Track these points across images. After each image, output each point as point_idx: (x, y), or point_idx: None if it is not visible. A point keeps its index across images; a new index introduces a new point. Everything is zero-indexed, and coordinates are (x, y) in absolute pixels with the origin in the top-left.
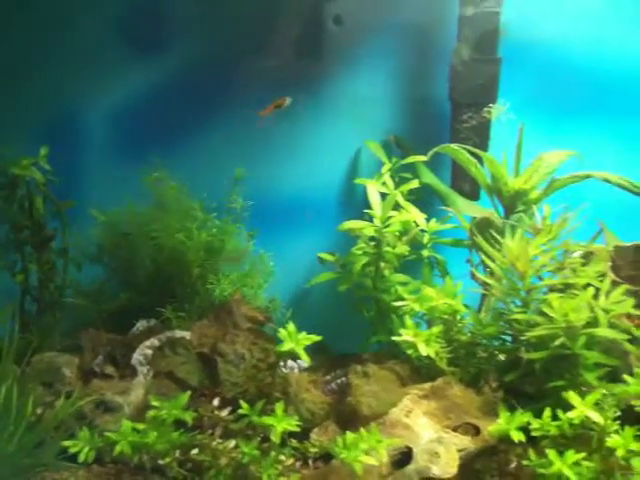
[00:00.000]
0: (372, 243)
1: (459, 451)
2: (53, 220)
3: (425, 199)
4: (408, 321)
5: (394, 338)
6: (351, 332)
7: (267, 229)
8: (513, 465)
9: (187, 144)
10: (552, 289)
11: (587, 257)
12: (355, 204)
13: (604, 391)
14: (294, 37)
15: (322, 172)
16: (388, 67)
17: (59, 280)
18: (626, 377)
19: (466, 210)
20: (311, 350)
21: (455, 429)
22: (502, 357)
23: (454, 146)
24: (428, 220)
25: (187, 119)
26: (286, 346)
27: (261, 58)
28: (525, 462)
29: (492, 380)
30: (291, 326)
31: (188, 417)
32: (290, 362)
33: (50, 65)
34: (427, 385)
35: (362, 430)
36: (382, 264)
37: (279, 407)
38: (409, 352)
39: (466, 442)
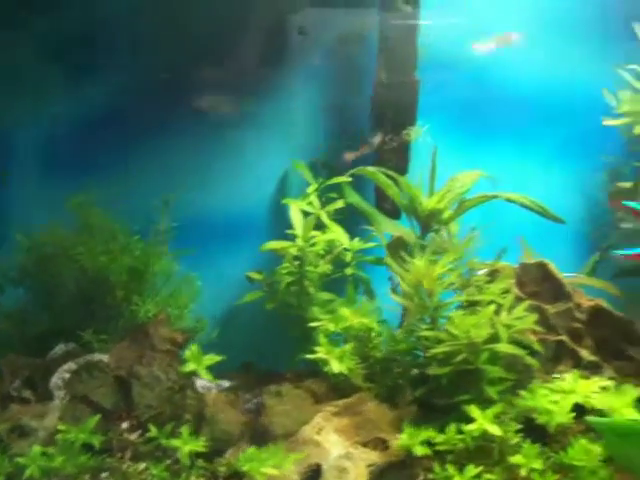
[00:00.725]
0: (296, 262)
1: (368, 466)
2: None
3: (352, 219)
4: (322, 339)
5: (308, 356)
6: (279, 350)
7: (196, 249)
8: (420, 479)
9: (114, 166)
10: (461, 306)
11: (493, 275)
12: (283, 224)
13: (506, 404)
14: (221, 62)
15: (250, 192)
16: (314, 90)
17: None
18: (522, 392)
19: (388, 229)
20: (236, 369)
21: (365, 444)
22: (416, 372)
23: (371, 168)
24: (353, 239)
25: (114, 141)
26: (189, 367)
27: (188, 83)
28: (430, 476)
29: (406, 395)
30: (194, 347)
31: (96, 441)
32: (206, 382)
33: None
34: (341, 402)
35: (269, 446)
36: (306, 283)
37: (185, 429)
38: (325, 369)
39: (374, 457)
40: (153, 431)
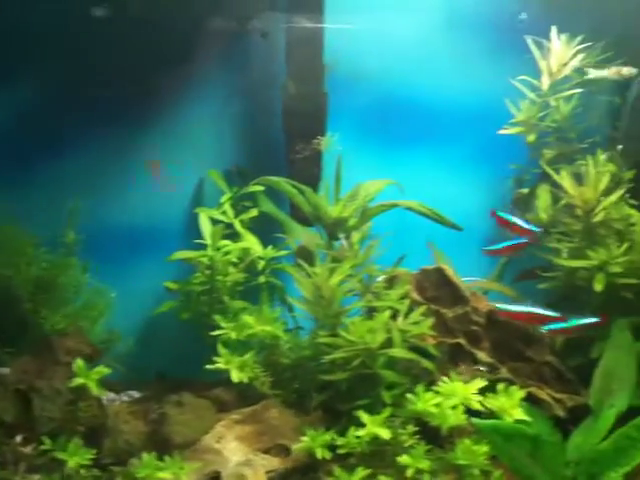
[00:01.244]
0: (207, 271)
1: (268, 472)
2: None
3: (268, 227)
4: (221, 348)
5: (207, 367)
6: (194, 360)
7: (109, 261)
8: None
9: (21, 178)
10: (365, 312)
11: (392, 281)
12: (198, 233)
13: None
14: (133, 71)
15: (165, 202)
16: (229, 100)
17: None
18: (409, 396)
19: (301, 237)
20: (151, 379)
21: (267, 451)
22: (320, 378)
23: (275, 178)
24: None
25: (20, 154)
26: (76, 382)
27: (96, 95)
28: (328, 478)
29: (312, 401)
30: (79, 361)
31: None
32: (111, 395)
33: None
34: (247, 410)
35: (166, 457)
36: (218, 291)
37: (74, 442)
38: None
39: (275, 463)
40: (47, 443)
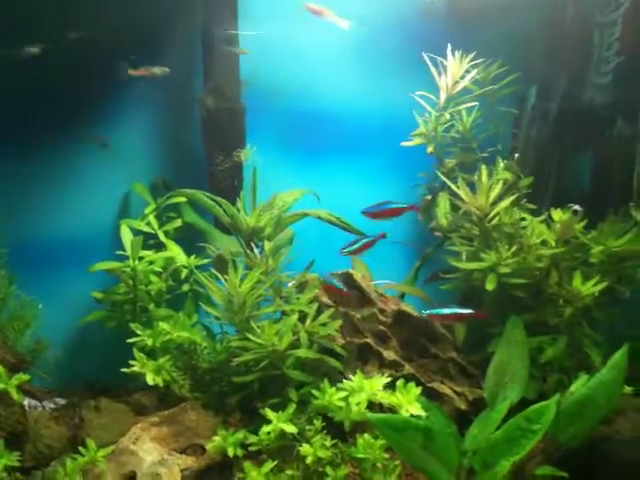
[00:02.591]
0: (130, 281)
1: (182, 470)
2: None
3: (193, 237)
4: (137, 353)
5: (123, 370)
6: (122, 367)
7: (37, 272)
8: (236, 478)
9: None
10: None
11: (302, 286)
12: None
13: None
14: (65, 85)
15: (92, 214)
16: (152, 115)
17: None
18: (314, 392)
19: (223, 246)
20: (78, 386)
21: (183, 451)
22: (235, 380)
23: (189, 190)
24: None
25: None
26: None
27: (31, 102)
28: (240, 475)
29: (230, 402)
30: (1, 368)
31: None
32: (33, 401)
33: None
34: (165, 412)
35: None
36: (141, 300)
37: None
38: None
39: (190, 462)
40: None
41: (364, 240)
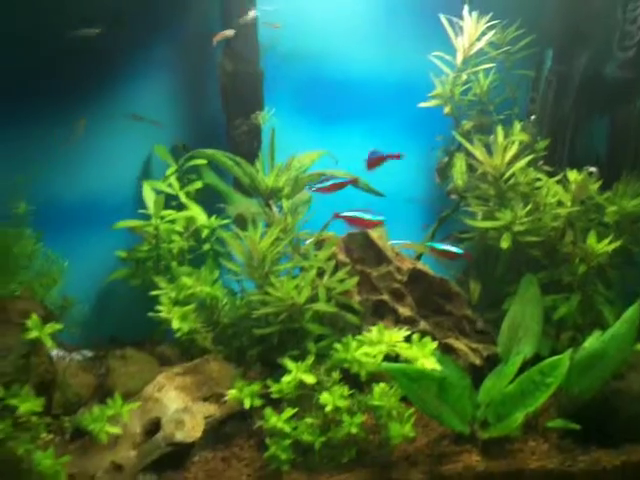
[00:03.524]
0: (153, 240)
1: (206, 418)
2: None
3: (212, 199)
4: (164, 300)
5: (150, 314)
6: (145, 323)
7: (63, 231)
8: (256, 426)
9: None
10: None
11: (320, 244)
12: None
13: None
14: (81, 51)
15: (115, 176)
16: (173, 79)
17: None
18: (336, 345)
19: (241, 207)
20: (104, 341)
21: (206, 400)
22: (256, 334)
23: (210, 151)
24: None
25: None
26: (32, 334)
27: (46, 71)
28: (260, 422)
29: (251, 355)
30: (35, 317)
31: None
32: (61, 352)
33: None
34: (188, 364)
35: (107, 401)
36: (164, 258)
37: (26, 390)
38: (177, 335)
39: (212, 409)
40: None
41: (334, 180)
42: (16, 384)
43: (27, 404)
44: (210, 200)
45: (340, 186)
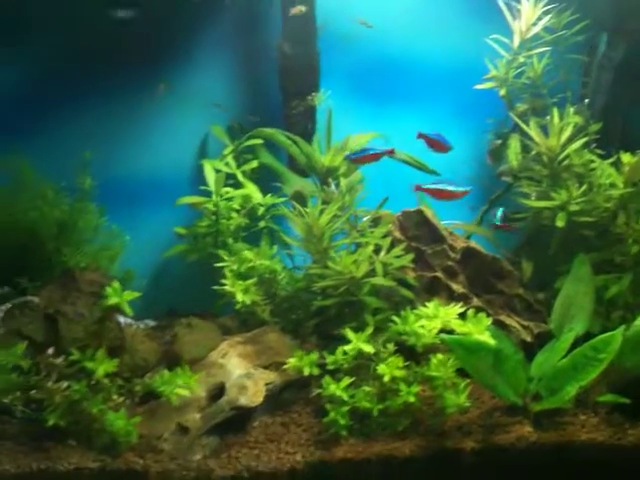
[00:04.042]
0: (213, 217)
1: (266, 384)
2: None
3: (267, 178)
4: (228, 273)
5: (214, 287)
6: (203, 296)
7: (125, 207)
8: (314, 394)
9: (42, 131)
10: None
11: (376, 221)
12: (205, 183)
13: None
14: (143, 35)
15: (174, 154)
16: (230, 60)
17: None
18: (394, 317)
19: (296, 185)
20: (163, 313)
21: (266, 367)
22: (313, 307)
23: (269, 130)
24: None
25: (42, 108)
26: (112, 300)
27: (110, 52)
28: (318, 390)
29: (307, 327)
30: (116, 284)
31: (24, 363)
32: (128, 320)
33: None
34: (249, 334)
35: (178, 369)
36: (222, 234)
37: (101, 353)
38: (237, 307)
39: (273, 377)
40: (75, 354)
41: (371, 151)
42: (90, 349)
43: (103, 366)
44: (264, 179)
45: (376, 157)
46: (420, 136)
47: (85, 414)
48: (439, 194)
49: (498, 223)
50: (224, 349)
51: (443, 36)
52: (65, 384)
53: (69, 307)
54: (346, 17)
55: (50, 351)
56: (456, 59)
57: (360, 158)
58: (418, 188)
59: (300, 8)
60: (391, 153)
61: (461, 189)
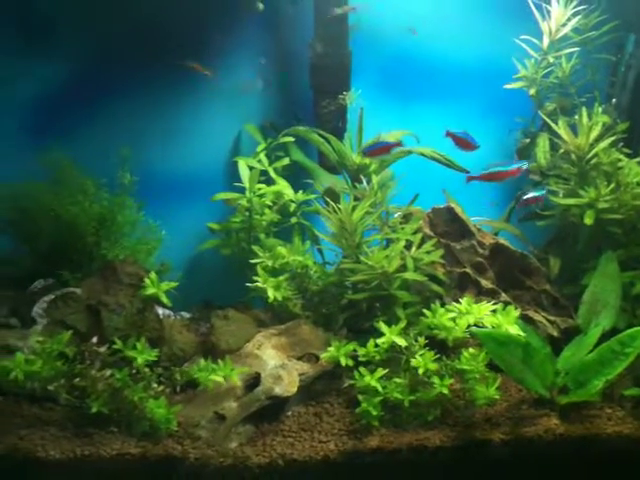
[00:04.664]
0: (246, 212)
1: (300, 375)
2: None
3: (298, 175)
4: (260, 270)
5: (248, 284)
6: (235, 290)
7: (160, 202)
8: (346, 385)
9: (82, 127)
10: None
11: (407, 218)
12: (237, 180)
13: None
14: (177, 35)
15: (208, 151)
16: (260, 62)
17: None
18: (425, 311)
19: (327, 182)
20: (197, 306)
21: (299, 358)
22: (344, 301)
23: (302, 128)
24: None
25: (81, 106)
26: (149, 290)
27: (146, 52)
28: (350, 381)
29: (338, 321)
30: (153, 275)
31: (69, 351)
32: (166, 311)
33: None
34: (282, 326)
35: (218, 361)
36: (257, 230)
37: (141, 343)
38: (269, 301)
39: (306, 368)
40: (118, 344)
41: (381, 144)
42: (131, 338)
43: (143, 355)
44: (295, 176)
45: (386, 149)
46: (448, 134)
47: (127, 402)
48: (493, 177)
49: (529, 197)
50: (259, 340)
51: (472, 36)
52: (108, 372)
53: (110, 298)
54: (376, 15)
55: (94, 340)
56: (485, 58)
57: (372, 151)
58: (470, 178)
59: (347, 7)
60: (398, 145)
61: (515, 166)
